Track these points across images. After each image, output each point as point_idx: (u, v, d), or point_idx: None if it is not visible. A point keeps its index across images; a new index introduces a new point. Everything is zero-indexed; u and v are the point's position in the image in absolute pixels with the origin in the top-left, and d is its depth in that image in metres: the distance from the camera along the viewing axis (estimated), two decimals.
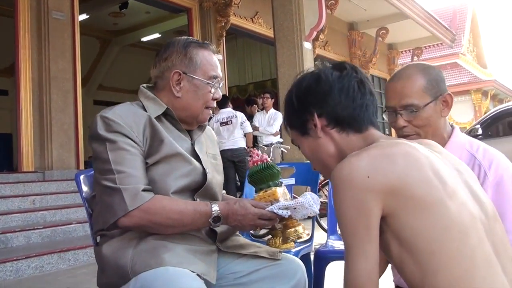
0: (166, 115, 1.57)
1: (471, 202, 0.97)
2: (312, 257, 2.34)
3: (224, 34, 10.53)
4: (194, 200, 1.52)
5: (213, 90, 1.59)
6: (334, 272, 2.19)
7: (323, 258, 2.21)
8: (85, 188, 1.72)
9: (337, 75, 1.15)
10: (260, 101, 7.88)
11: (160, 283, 1.27)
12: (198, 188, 1.54)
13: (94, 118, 1.52)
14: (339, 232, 2.27)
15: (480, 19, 31.48)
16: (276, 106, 8.16)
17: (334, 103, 1.13)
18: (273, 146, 6.99)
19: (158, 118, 1.54)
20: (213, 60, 1.62)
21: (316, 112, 1.13)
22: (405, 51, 18.25)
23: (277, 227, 1.56)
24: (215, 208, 1.43)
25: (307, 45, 8.27)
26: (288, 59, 8.18)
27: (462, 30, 27.39)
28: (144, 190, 1.40)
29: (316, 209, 1.47)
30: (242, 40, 14.81)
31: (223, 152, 6.17)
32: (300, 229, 1.55)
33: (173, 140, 1.51)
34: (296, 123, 1.19)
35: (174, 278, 1.28)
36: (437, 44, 18.64)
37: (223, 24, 10.38)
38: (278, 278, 1.51)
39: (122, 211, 1.37)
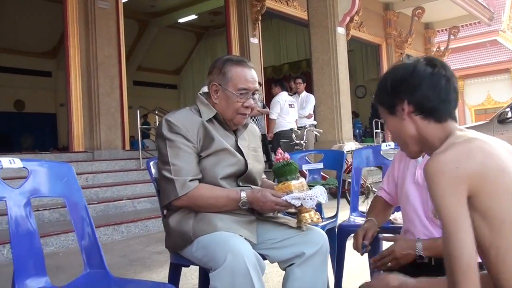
0: (216, 117, 1.99)
1: None
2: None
3: (260, 18, 10.80)
4: (238, 184, 1.96)
5: (242, 100, 1.97)
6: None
7: (345, 231, 2.61)
8: (153, 171, 2.15)
9: (429, 71, 1.35)
10: (293, 85, 8.15)
11: (217, 243, 1.73)
12: (241, 175, 1.98)
13: (161, 120, 1.97)
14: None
15: None
16: (309, 90, 8.45)
17: (423, 95, 1.33)
18: (306, 129, 7.31)
19: (209, 120, 1.97)
20: (244, 75, 1.99)
21: (406, 99, 1.35)
22: (442, 30, 18.08)
23: (292, 211, 1.94)
24: (243, 195, 1.85)
25: (341, 30, 8.52)
26: (322, 44, 8.45)
27: (502, 6, 26.70)
28: (191, 181, 1.85)
29: (322, 199, 1.86)
30: (277, 21, 15.05)
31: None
32: (312, 214, 1.90)
33: (221, 137, 1.95)
34: (386, 103, 1.41)
35: (227, 239, 1.74)
36: (474, 23, 18.36)
37: (258, 8, 10.65)
38: (305, 244, 1.92)
39: (174, 196, 1.84)
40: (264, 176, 2.18)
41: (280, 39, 17.76)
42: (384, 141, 13.36)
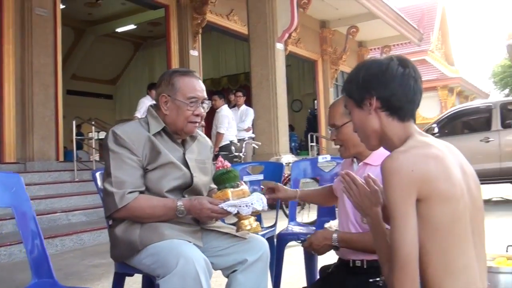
0: (165, 130, 2.06)
1: (467, 197, 1.34)
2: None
3: (200, 31, 10.88)
4: (183, 197, 2.02)
5: (192, 108, 2.04)
6: (291, 250, 2.70)
7: (283, 239, 2.74)
8: (99, 182, 2.18)
9: (401, 71, 1.42)
10: (232, 98, 8.27)
11: (168, 249, 1.80)
12: (187, 187, 2.05)
13: (108, 131, 2.01)
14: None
15: (449, 17, 32.42)
16: (248, 103, 8.61)
17: (392, 93, 1.39)
18: (245, 142, 7.44)
19: (158, 133, 2.04)
20: (192, 85, 2.07)
21: (376, 95, 1.42)
22: (375, 48, 18.86)
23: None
24: (179, 203, 1.91)
25: (279, 46, 8.77)
26: (261, 59, 8.67)
27: (432, 27, 28.21)
28: (130, 193, 1.91)
29: (259, 206, 1.93)
30: (217, 34, 15.20)
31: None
32: (251, 220, 1.98)
33: (168, 151, 2.02)
34: (356, 95, 1.47)
35: (178, 245, 1.81)
36: (405, 43, 19.30)
37: (199, 21, 10.71)
38: (248, 251, 2.01)
39: (113, 208, 1.91)
40: (214, 186, 2.23)
41: (219, 52, 17.89)
42: (318, 154, 13.74)
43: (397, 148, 1.35)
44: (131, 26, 15.72)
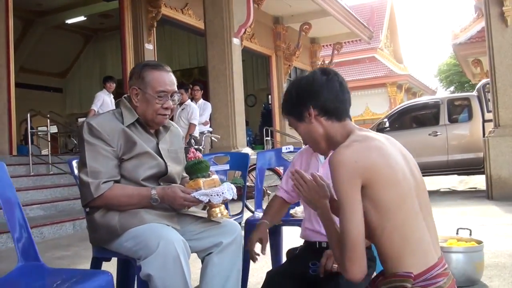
0: (138, 121, 2.13)
1: (411, 178, 1.52)
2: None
3: (155, 25, 10.83)
4: (159, 184, 2.11)
5: (162, 101, 2.11)
6: None
7: (251, 225, 2.85)
8: (76, 171, 2.23)
9: (325, 78, 1.64)
10: (189, 92, 8.30)
11: (149, 232, 1.89)
12: (162, 176, 2.14)
13: (83, 122, 2.07)
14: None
15: (398, 15, 33.38)
16: (205, 97, 8.67)
17: (324, 99, 1.60)
18: (204, 135, 7.52)
19: (132, 124, 2.11)
20: (162, 78, 2.13)
21: (311, 105, 1.61)
22: (327, 45, 19.24)
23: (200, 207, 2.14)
24: (153, 192, 2.00)
25: (236, 41, 8.88)
26: (218, 54, 8.74)
27: (381, 26, 29.03)
28: (104, 182, 1.98)
29: (229, 195, 2.05)
30: (170, 27, 15.12)
31: None
32: (221, 208, 2.10)
33: (142, 141, 2.11)
34: (294, 112, 1.68)
35: (158, 228, 1.91)
36: (356, 40, 19.80)
37: (154, 14, 10.66)
38: (222, 234, 2.13)
39: (89, 197, 1.98)
40: (185, 175, 2.33)
41: (172, 46, 17.75)
42: (272, 147, 13.96)
43: (341, 143, 1.53)
44: (81, 18, 15.37)
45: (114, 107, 2.24)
